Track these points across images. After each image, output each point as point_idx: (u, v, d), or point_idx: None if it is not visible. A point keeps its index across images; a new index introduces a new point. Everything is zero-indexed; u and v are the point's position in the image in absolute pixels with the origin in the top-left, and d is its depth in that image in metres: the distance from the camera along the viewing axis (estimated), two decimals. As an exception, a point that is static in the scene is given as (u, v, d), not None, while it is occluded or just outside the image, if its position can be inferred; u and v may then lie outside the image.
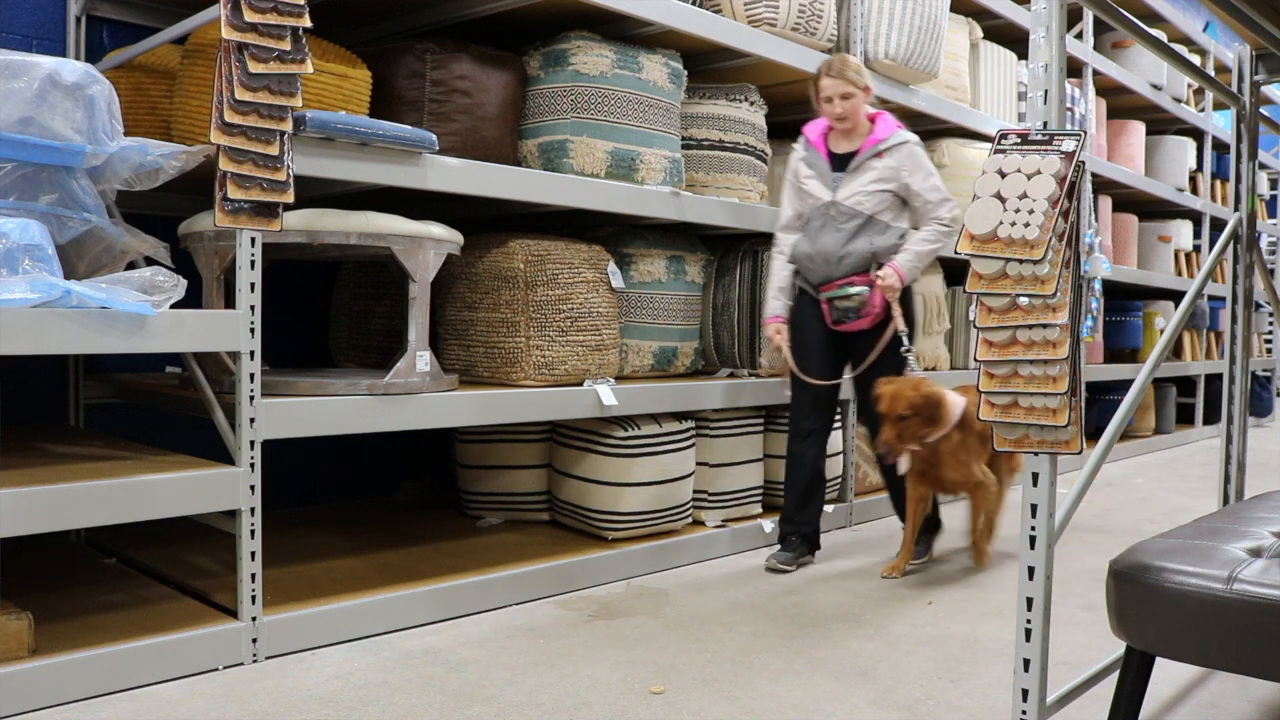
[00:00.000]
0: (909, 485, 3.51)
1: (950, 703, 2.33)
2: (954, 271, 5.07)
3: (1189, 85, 7.39)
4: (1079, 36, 5.94)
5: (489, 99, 3.28)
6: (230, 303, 2.57)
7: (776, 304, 3.58)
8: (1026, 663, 1.92)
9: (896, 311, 3.41)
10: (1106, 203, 6.54)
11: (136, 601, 2.70)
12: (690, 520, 3.71)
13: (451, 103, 3.21)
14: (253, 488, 2.50)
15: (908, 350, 3.43)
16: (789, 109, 4.62)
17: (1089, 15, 5.94)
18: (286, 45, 2.45)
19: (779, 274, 3.58)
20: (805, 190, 3.50)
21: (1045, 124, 1.87)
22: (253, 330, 2.48)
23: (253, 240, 2.49)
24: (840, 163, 3.49)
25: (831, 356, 3.53)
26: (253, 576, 2.52)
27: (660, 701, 2.30)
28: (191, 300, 2.46)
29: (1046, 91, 1.88)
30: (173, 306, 2.36)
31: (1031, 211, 1.76)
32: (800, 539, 3.56)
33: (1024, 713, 1.92)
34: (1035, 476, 1.91)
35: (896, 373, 3.44)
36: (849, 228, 3.42)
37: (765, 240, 4.06)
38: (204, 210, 2.64)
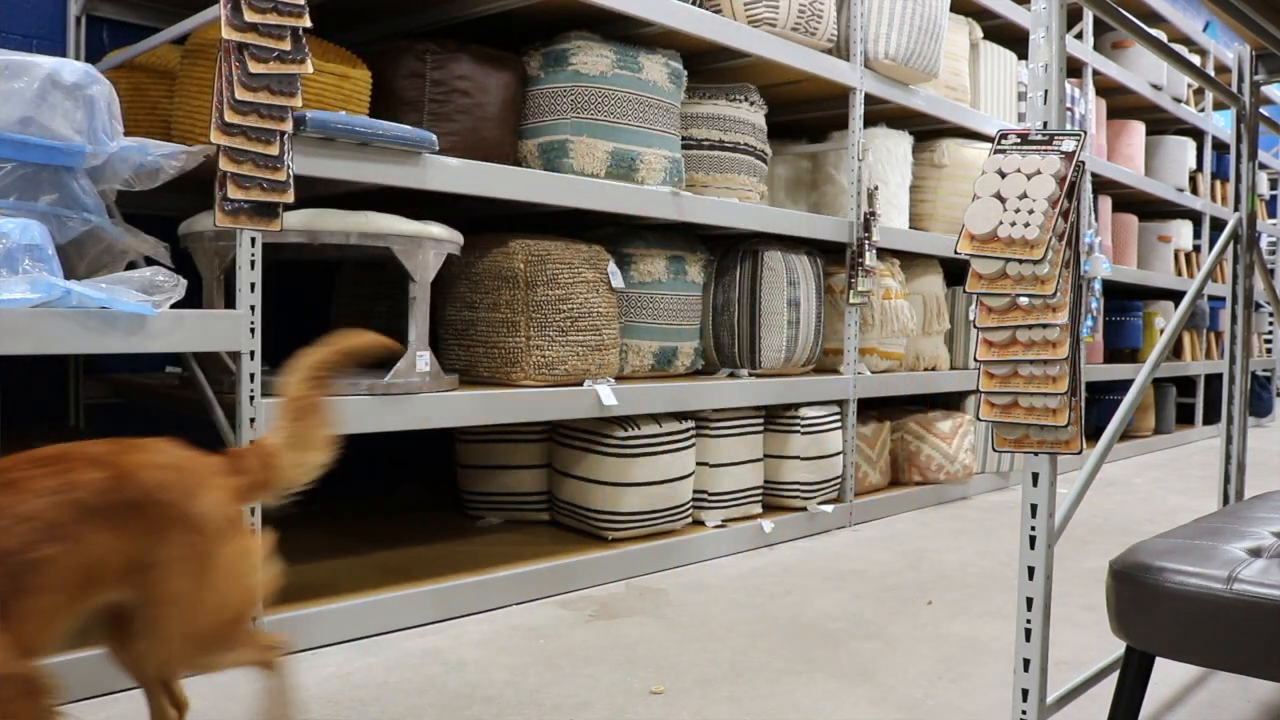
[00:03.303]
0: None
1: (950, 703, 2.33)
2: (954, 271, 5.07)
3: (1189, 85, 7.38)
4: (1079, 36, 5.94)
5: (489, 99, 3.28)
6: (230, 303, 2.57)
7: None
8: (1026, 663, 1.92)
9: None
10: (1106, 203, 6.54)
11: (136, 601, 2.70)
12: (690, 520, 3.71)
13: (451, 103, 3.21)
14: (253, 488, 2.50)
15: None
16: (789, 109, 4.63)
17: (1089, 15, 5.94)
18: (286, 45, 2.45)
19: None
20: None
21: (1045, 124, 1.87)
22: (253, 330, 2.48)
23: (253, 240, 2.49)
24: None
25: None
26: (253, 576, 2.51)
27: (660, 701, 2.30)
28: (191, 300, 2.46)
29: (1046, 91, 1.88)
30: (173, 306, 2.36)
31: (1031, 211, 1.76)
32: None
33: (1024, 713, 1.92)
34: (1035, 476, 1.91)
35: None
36: None
37: (766, 240, 4.07)
38: (204, 210, 2.63)
